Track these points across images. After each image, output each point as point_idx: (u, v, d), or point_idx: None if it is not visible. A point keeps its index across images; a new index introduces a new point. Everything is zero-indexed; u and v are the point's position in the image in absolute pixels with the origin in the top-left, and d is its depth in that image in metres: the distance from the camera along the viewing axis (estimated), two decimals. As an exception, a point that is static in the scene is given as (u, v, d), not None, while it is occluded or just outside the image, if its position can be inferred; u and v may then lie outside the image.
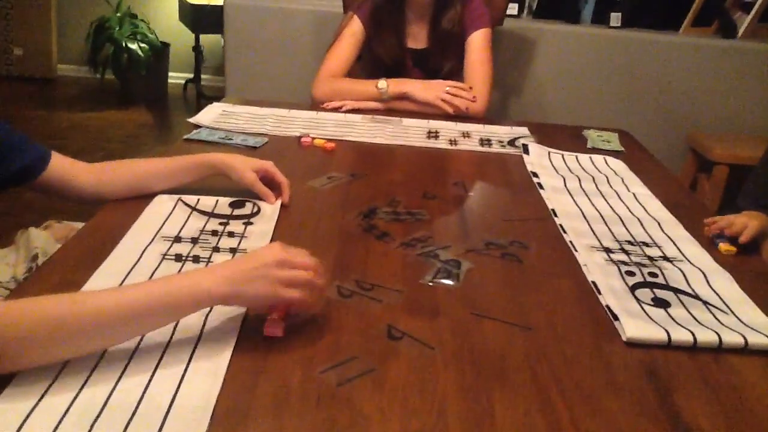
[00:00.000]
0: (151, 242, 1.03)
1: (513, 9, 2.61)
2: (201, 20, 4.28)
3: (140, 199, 1.15)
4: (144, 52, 4.47)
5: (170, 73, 4.89)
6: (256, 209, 1.17)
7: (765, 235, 1.19)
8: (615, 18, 2.64)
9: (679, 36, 2.67)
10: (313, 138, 1.54)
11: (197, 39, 4.56)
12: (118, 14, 4.59)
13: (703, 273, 1.06)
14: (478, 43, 1.88)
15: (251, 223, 1.12)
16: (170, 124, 4.37)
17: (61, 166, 1.11)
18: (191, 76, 4.77)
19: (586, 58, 2.61)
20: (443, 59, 1.90)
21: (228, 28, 2.61)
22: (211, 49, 4.78)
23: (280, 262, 0.80)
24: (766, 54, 2.61)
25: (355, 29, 1.89)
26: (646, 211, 1.30)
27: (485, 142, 1.64)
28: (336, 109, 1.80)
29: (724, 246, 1.17)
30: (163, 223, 1.09)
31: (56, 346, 0.70)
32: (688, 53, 2.61)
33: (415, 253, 1.06)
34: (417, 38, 1.93)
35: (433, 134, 1.67)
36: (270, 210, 1.17)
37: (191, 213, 1.13)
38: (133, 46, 4.45)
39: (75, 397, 0.69)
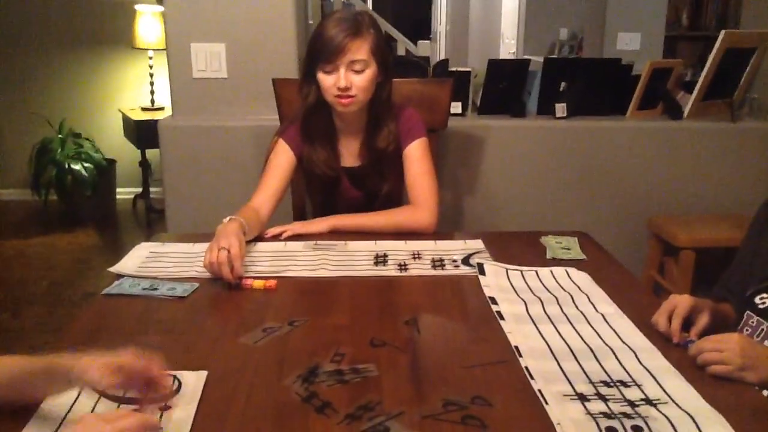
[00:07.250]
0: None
1: (456, 107, 2.56)
2: (145, 135, 4.19)
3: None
4: (89, 171, 4.35)
5: (119, 189, 4.77)
6: (176, 385, 1.01)
7: (696, 309, 1.19)
8: (560, 108, 2.61)
9: (626, 120, 2.64)
10: (253, 279, 1.40)
11: (143, 153, 4.47)
12: (60, 135, 4.49)
13: (693, 418, 0.93)
14: (416, 155, 1.77)
15: (169, 407, 0.96)
16: (120, 243, 4.20)
17: None
18: (140, 190, 4.65)
19: (535, 151, 2.56)
20: (381, 179, 1.79)
21: (164, 150, 2.52)
22: (158, 162, 4.68)
23: None
24: (712, 132, 2.60)
25: (281, 156, 1.77)
26: (618, 336, 1.18)
27: (437, 262, 1.52)
28: (276, 237, 1.68)
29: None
30: (67, 414, 0.94)
31: None
32: (637, 137, 2.58)
33: (361, 428, 0.91)
34: (351, 156, 1.82)
35: (381, 258, 1.54)
36: (193, 384, 1.01)
37: (99, 399, 0.97)
38: (77, 166, 4.33)
39: None
